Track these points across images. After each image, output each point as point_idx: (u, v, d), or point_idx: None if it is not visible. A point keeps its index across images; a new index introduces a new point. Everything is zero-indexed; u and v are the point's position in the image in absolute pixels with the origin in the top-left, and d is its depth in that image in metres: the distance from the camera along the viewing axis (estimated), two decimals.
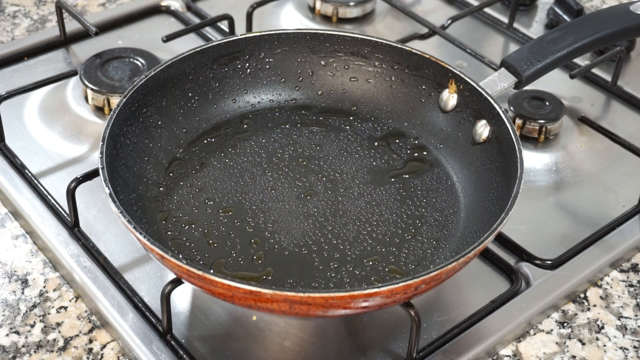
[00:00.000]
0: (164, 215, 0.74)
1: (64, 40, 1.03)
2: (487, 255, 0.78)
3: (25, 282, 0.76)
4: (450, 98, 0.81)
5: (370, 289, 0.59)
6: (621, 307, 0.76)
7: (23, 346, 0.70)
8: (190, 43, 1.00)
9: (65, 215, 0.80)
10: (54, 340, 0.71)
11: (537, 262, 0.78)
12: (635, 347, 0.72)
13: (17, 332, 0.71)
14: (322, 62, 0.86)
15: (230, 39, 0.83)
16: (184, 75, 0.81)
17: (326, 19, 1.10)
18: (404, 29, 1.08)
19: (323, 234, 0.73)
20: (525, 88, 0.82)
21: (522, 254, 0.79)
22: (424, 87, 0.82)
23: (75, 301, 0.75)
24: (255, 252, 0.71)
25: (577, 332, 0.74)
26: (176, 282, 0.67)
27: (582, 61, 1.02)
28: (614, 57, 0.97)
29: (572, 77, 0.91)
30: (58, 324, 0.72)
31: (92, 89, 0.92)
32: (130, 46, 1.00)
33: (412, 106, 0.83)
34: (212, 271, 0.60)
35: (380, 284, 0.59)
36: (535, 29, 1.09)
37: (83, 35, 1.03)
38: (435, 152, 0.81)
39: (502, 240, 0.80)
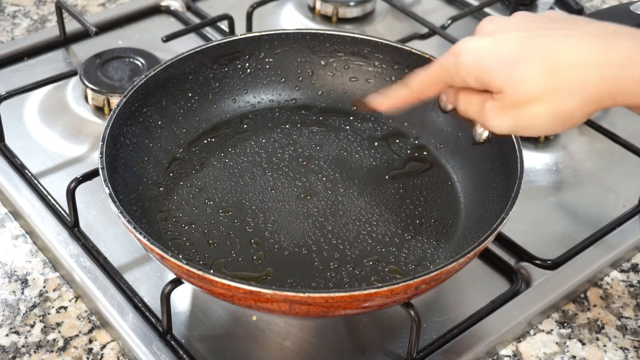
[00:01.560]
0: (164, 215, 0.74)
1: (64, 40, 1.03)
2: (487, 255, 0.78)
3: (25, 282, 0.76)
4: None
5: (370, 289, 0.59)
6: (621, 307, 0.76)
7: (23, 346, 0.70)
8: (190, 43, 1.00)
9: (65, 215, 0.80)
10: (54, 340, 0.71)
11: (537, 262, 0.78)
12: (635, 347, 0.72)
13: (17, 332, 0.71)
14: (322, 62, 0.86)
15: (230, 39, 0.83)
16: (184, 75, 0.81)
17: (326, 19, 1.10)
18: (404, 29, 1.08)
19: (323, 234, 0.73)
20: None
21: (522, 254, 0.79)
22: None
23: (75, 301, 0.75)
24: (255, 252, 0.71)
25: (577, 332, 0.74)
26: (176, 282, 0.67)
27: None
28: None
29: None
30: (58, 324, 0.72)
31: (92, 89, 0.92)
32: (130, 46, 1.00)
33: (412, 106, 0.83)
34: (212, 271, 0.60)
35: (380, 284, 0.59)
36: None
37: (83, 35, 1.03)
38: (435, 152, 0.81)
39: (502, 240, 0.80)
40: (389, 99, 0.70)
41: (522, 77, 0.58)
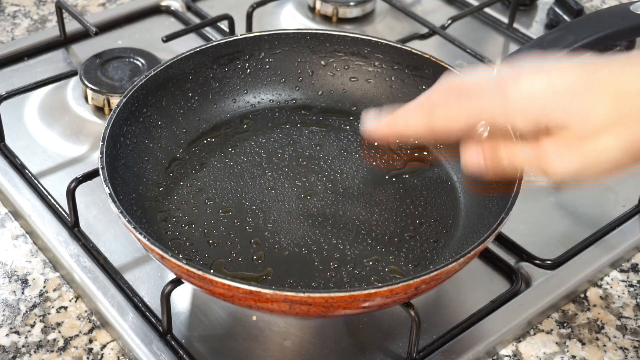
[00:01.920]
0: (164, 215, 0.74)
1: (64, 40, 1.03)
2: (487, 255, 0.78)
3: (25, 282, 0.76)
4: None
5: (370, 289, 0.59)
6: (621, 307, 0.76)
7: (23, 346, 0.70)
8: (190, 43, 1.00)
9: (65, 215, 0.80)
10: (54, 340, 0.71)
11: (537, 262, 0.78)
12: (635, 347, 0.72)
13: (17, 332, 0.71)
14: (322, 62, 0.86)
15: (230, 39, 0.83)
16: (184, 75, 0.81)
17: (326, 19, 1.10)
18: (404, 29, 1.08)
19: (323, 234, 0.73)
20: None
21: (522, 254, 0.79)
22: (424, 87, 0.82)
23: (75, 301, 0.75)
24: (255, 252, 0.71)
25: (577, 332, 0.74)
26: (176, 282, 0.67)
27: None
28: None
29: None
30: (58, 324, 0.72)
31: (92, 89, 0.92)
32: (130, 46, 1.00)
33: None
34: (212, 271, 0.60)
35: (380, 284, 0.59)
36: (535, 29, 1.09)
37: (83, 35, 1.03)
38: (435, 152, 0.81)
39: (502, 240, 0.80)
40: (396, 123, 0.61)
41: (589, 107, 0.52)
